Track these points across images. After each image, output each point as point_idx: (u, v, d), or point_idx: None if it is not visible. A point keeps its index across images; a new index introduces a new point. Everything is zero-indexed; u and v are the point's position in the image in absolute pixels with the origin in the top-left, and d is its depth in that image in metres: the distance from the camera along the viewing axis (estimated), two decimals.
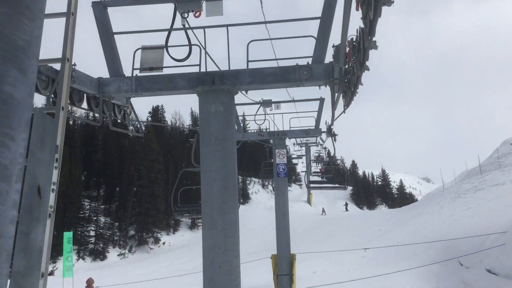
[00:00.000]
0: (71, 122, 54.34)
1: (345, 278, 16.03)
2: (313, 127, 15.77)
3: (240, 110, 15.81)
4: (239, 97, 6.34)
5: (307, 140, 59.47)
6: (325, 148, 46.96)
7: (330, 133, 15.37)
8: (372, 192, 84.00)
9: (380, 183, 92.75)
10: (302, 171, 63.02)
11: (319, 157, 47.77)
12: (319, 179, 41.39)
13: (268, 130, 16.05)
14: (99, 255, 35.93)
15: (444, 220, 21.20)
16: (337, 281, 15.12)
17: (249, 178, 64.49)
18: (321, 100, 15.69)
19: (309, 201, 64.00)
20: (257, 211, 54.24)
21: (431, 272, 15.05)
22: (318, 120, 15.66)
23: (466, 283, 12.49)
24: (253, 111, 15.45)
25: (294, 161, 68.75)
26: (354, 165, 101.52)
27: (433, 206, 27.28)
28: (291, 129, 16.07)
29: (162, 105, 67.29)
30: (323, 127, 15.79)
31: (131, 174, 42.40)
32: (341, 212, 57.17)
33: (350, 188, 78.70)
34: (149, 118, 64.00)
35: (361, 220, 38.65)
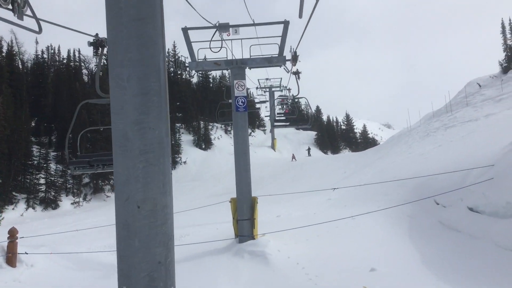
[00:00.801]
0: (17, 64, 50.31)
1: (310, 221, 14.70)
2: (276, 55, 13.91)
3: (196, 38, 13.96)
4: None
5: (270, 84, 57.85)
6: (289, 89, 45.48)
7: (295, 60, 13.56)
8: (336, 137, 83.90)
9: (344, 127, 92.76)
10: (266, 116, 61.53)
11: (283, 101, 46.30)
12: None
13: (226, 59, 14.06)
14: (50, 203, 33.70)
15: (414, 159, 20.14)
16: (302, 225, 13.76)
17: (211, 124, 62.51)
18: (285, 24, 13.79)
19: (273, 147, 62.97)
20: (219, 156, 52.80)
21: (404, 212, 13.93)
22: (282, 47, 13.78)
23: (444, 223, 11.34)
24: (208, 37, 13.41)
25: (258, 105, 67.28)
26: (318, 110, 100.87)
27: (400, 146, 26.37)
28: (252, 57, 14.12)
29: None
30: (287, 55, 13.95)
31: (83, 117, 39.51)
32: (305, 157, 56.43)
33: (314, 132, 78.13)
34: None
35: (326, 164, 37.80)
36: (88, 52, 58.66)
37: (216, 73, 73.56)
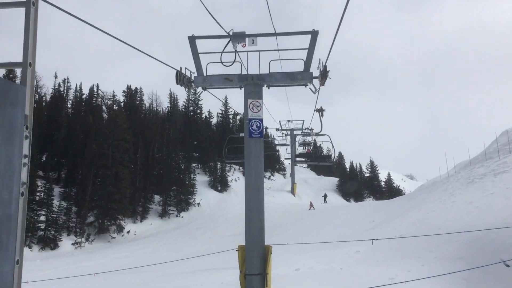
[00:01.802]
0: (37, 98, 49.27)
1: (337, 278, 11.60)
2: (301, 71, 11.37)
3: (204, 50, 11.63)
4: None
5: (292, 126, 55.44)
6: (311, 129, 42.92)
7: (325, 76, 10.94)
8: (360, 184, 79.99)
9: (368, 175, 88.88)
10: (286, 158, 58.71)
11: (304, 142, 43.74)
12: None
13: (239, 74, 11.61)
14: (49, 243, 31.08)
15: (461, 208, 16.99)
16: (327, 282, 10.67)
17: (228, 165, 59.94)
18: (314, 34, 11.31)
19: (292, 191, 59.73)
20: (235, 199, 49.86)
21: (458, 275, 10.79)
22: (308, 63, 11.24)
23: None
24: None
25: (277, 147, 64.74)
26: (340, 156, 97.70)
27: (439, 193, 23.15)
28: (271, 73, 11.61)
29: (140, 87, 62.66)
30: (314, 71, 11.40)
31: (93, 152, 37.46)
32: (321, 204, 52.96)
33: (336, 179, 74.72)
34: (123, 98, 59.23)
35: (349, 211, 34.53)
36: (107, 87, 57.59)
37: (235, 111, 71.74)
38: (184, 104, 67.33)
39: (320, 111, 17.43)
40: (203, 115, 68.09)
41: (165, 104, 70.65)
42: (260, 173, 11.29)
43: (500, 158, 22.64)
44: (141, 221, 41.02)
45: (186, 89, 11.64)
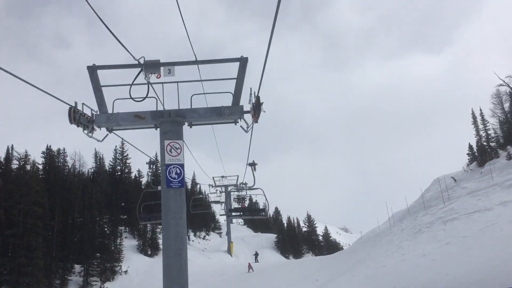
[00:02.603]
0: None
1: None
2: (229, 106, 9.35)
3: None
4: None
5: (227, 182, 53.19)
6: (245, 183, 40.85)
7: (258, 109, 8.93)
8: (298, 240, 77.97)
9: (306, 229, 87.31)
10: (221, 215, 55.78)
11: (239, 197, 41.49)
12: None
13: (154, 111, 9.38)
14: None
15: (416, 262, 15.22)
16: None
17: (160, 226, 56.01)
18: (242, 62, 9.40)
19: (229, 251, 56.49)
20: None
21: None
22: (237, 95, 9.29)
23: None
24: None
25: (212, 206, 61.81)
26: (277, 212, 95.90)
27: (384, 246, 21.51)
28: (193, 108, 9.48)
29: (64, 148, 58.02)
30: (246, 105, 9.44)
31: (1, 220, 32.73)
32: (265, 262, 50.11)
33: (274, 235, 72.33)
34: (42, 159, 54.33)
35: (291, 270, 32.11)
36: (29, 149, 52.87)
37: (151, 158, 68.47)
38: (111, 163, 63.17)
39: (253, 165, 18.52)
40: (132, 175, 64.12)
41: (89, 164, 65.96)
42: (182, 233, 8.86)
43: (445, 205, 21.61)
44: None
45: (85, 131, 9.15)
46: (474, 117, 42.73)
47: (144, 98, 9.19)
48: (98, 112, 9.31)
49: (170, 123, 9.12)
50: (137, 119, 9.32)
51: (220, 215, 57.54)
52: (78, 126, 8.84)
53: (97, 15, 7.28)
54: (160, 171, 9.16)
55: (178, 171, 9.03)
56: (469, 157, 64.26)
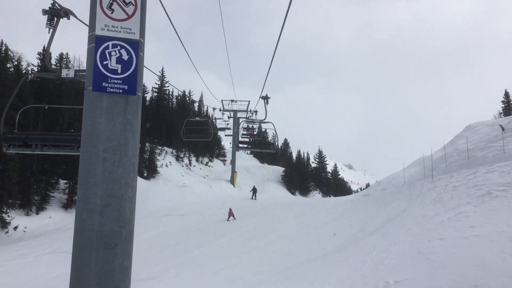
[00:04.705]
0: None
1: None
2: None
3: None
4: None
5: (236, 108, 48.20)
6: (255, 111, 36.05)
7: None
8: (307, 176, 73.92)
9: (315, 165, 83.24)
10: (227, 135, 51.17)
11: (248, 126, 36.70)
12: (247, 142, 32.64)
13: None
14: None
15: (494, 241, 10.32)
16: None
17: (160, 147, 51.79)
18: None
19: (232, 181, 52.55)
20: (164, 188, 41.97)
21: None
22: None
23: None
24: None
25: (219, 133, 57.32)
26: (286, 143, 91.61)
27: (429, 205, 16.62)
28: None
29: (67, 53, 52.31)
30: None
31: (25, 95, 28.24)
32: (270, 197, 46.11)
33: (281, 168, 68.25)
34: (37, 61, 49.12)
35: (299, 212, 27.67)
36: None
37: (174, 89, 63.33)
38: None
39: (266, 98, 19.52)
40: None
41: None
42: (128, 175, 3.85)
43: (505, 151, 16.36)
44: (36, 213, 32.31)
45: None
46: None
47: None
48: None
49: None
50: None
51: (226, 135, 52.06)
52: None
53: None
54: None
55: (126, 57, 3.71)
56: (503, 105, 58.00)
